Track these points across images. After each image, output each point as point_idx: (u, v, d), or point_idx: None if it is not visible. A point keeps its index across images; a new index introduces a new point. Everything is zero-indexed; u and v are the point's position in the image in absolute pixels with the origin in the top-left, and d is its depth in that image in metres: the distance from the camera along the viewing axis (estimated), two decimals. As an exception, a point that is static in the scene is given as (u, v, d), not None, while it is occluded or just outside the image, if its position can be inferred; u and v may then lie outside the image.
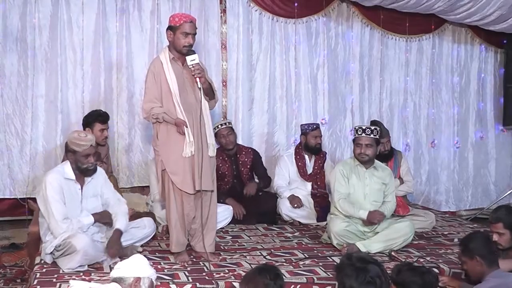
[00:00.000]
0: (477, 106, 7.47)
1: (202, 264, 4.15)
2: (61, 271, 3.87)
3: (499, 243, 3.85)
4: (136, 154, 6.11)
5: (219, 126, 5.68)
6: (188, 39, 4.12)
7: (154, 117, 4.11)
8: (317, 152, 5.88)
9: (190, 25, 4.14)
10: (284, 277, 3.08)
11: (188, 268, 4.06)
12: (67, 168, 4.07)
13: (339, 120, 6.87)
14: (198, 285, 3.74)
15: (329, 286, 3.83)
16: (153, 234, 4.59)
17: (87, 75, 5.94)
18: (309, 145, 5.82)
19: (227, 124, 5.73)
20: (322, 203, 5.67)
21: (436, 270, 3.99)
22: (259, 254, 4.51)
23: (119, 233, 4.08)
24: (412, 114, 7.19)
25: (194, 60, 4.10)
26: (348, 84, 6.89)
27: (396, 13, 6.73)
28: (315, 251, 4.64)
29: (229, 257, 4.39)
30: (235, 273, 3.97)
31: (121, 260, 3.21)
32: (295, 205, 5.63)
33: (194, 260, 4.26)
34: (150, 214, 5.03)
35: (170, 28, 4.17)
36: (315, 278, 3.93)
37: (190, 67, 4.11)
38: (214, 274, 3.92)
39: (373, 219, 4.64)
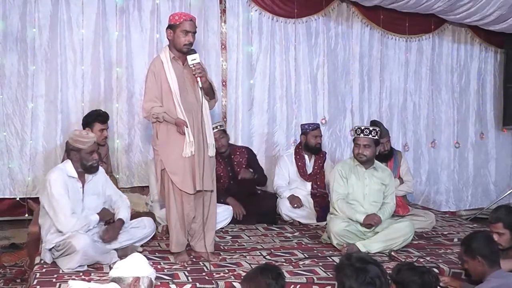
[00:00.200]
0: (477, 106, 7.48)
1: (202, 264, 4.15)
2: (61, 271, 3.87)
3: (499, 243, 3.84)
4: (136, 154, 6.11)
5: None
6: (188, 37, 4.12)
7: (154, 117, 4.10)
8: (317, 152, 5.88)
9: (190, 23, 4.13)
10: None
11: (188, 268, 4.06)
12: (68, 167, 4.08)
13: (339, 120, 6.87)
14: (198, 285, 3.74)
15: (329, 286, 3.83)
16: (153, 234, 4.59)
17: (87, 75, 5.94)
18: (309, 144, 5.82)
19: (218, 127, 5.60)
20: (322, 203, 5.67)
21: (436, 270, 3.99)
22: (259, 254, 4.50)
23: (121, 222, 4.18)
24: (412, 114, 7.19)
25: (195, 59, 4.10)
26: (348, 84, 6.89)
27: (396, 13, 6.73)
28: (315, 251, 4.64)
29: (229, 257, 4.39)
30: (235, 273, 3.96)
31: (120, 260, 3.22)
32: (295, 205, 5.63)
33: (194, 260, 4.25)
34: (150, 214, 5.03)
35: (170, 26, 4.16)
36: (315, 278, 3.93)
37: (191, 66, 4.11)
38: (214, 274, 3.92)
39: (369, 222, 4.64)
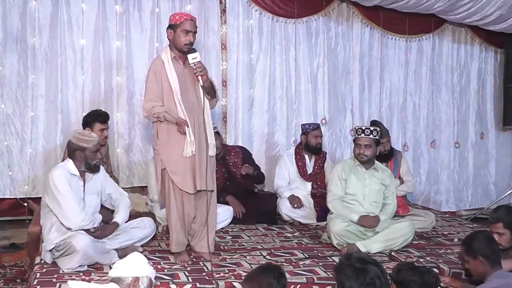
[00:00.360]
0: (477, 106, 7.48)
1: (202, 264, 4.15)
2: (61, 271, 3.87)
3: (500, 243, 3.84)
4: (136, 154, 6.12)
5: None
6: (188, 37, 4.11)
7: (155, 116, 4.10)
8: (318, 152, 5.87)
9: (190, 23, 4.13)
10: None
11: (188, 268, 4.06)
12: (70, 165, 4.09)
13: (339, 120, 6.87)
14: (198, 285, 3.74)
15: (329, 286, 3.83)
16: (153, 234, 4.58)
17: (87, 75, 5.94)
18: (310, 144, 5.81)
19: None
20: (322, 203, 5.64)
21: (436, 270, 3.99)
22: (259, 254, 4.50)
23: (115, 225, 4.18)
24: (412, 114, 7.19)
25: (195, 58, 4.09)
26: (348, 84, 6.89)
27: (396, 13, 6.73)
28: (315, 251, 4.64)
29: (229, 257, 4.39)
30: (235, 273, 3.96)
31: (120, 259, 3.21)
32: (295, 205, 5.62)
33: (194, 260, 4.25)
34: (150, 214, 5.03)
35: (170, 26, 4.16)
36: (315, 278, 3.92)
37: (191, 65, 4.10)
38: (214, 274, 3.92)
39: (363, 224, 4.64)
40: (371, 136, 4.71)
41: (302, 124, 6.01)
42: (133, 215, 4.67)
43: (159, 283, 3.64)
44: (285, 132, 6.64)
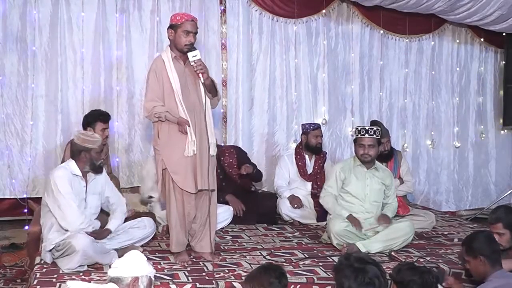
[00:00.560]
0: (477, 106, 7.48)
1: (202, 264, 4.15)
2: (61, 271, 3.87)
3: (500, 243, 3.84)
4: (136, 154, 6.11)
5: None
6: (189, 38, 4.12)
7: (156, 116, 4.10)
8: (318, 152, 5.87)
9: (191, 24, 4.14)
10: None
11: (188, 268, 4.06)
12: (72, 166, 4.09)
13: (339, 120, 6.87)
14: (198, 285, 3.74)
15: (329, 286, 3.82)
16: (153, 234, 4.59)
17: (87, 75, 5.94)
18: (310, 144, 5.81)
19: None
20: (323, 203, 5.67)
21: (436, 270, 3.99)
22: (259, 254, 4.50)
23: (107, 232, 4.18)
24: (412, 114, 7.19)
25: (196, 56, 4.09)
26: (348, 84, 6.89)
27: (396, 13, 6.74)
28: (315, 251, 4.64)
29: (229, 257, 4.39)
30: (235, 273, 3.96)
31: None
32: (295, 205, 5.62)
33: (194, 260, 4.25)
34: (150, 214, 5.03)
35: (171, 26, 4.16)
36: (315, 278, 3.92)
37: (192, 63, 4.10)
38: (214, 274, 3.92)
39: (351, 221, 4.65)
40: (374, 136, 4.73)
41: (303, 124, 6.01)
42: (133, 215, 4.68)
43: (159, 283, 3.64)
44: (285, 132, 6.64)
